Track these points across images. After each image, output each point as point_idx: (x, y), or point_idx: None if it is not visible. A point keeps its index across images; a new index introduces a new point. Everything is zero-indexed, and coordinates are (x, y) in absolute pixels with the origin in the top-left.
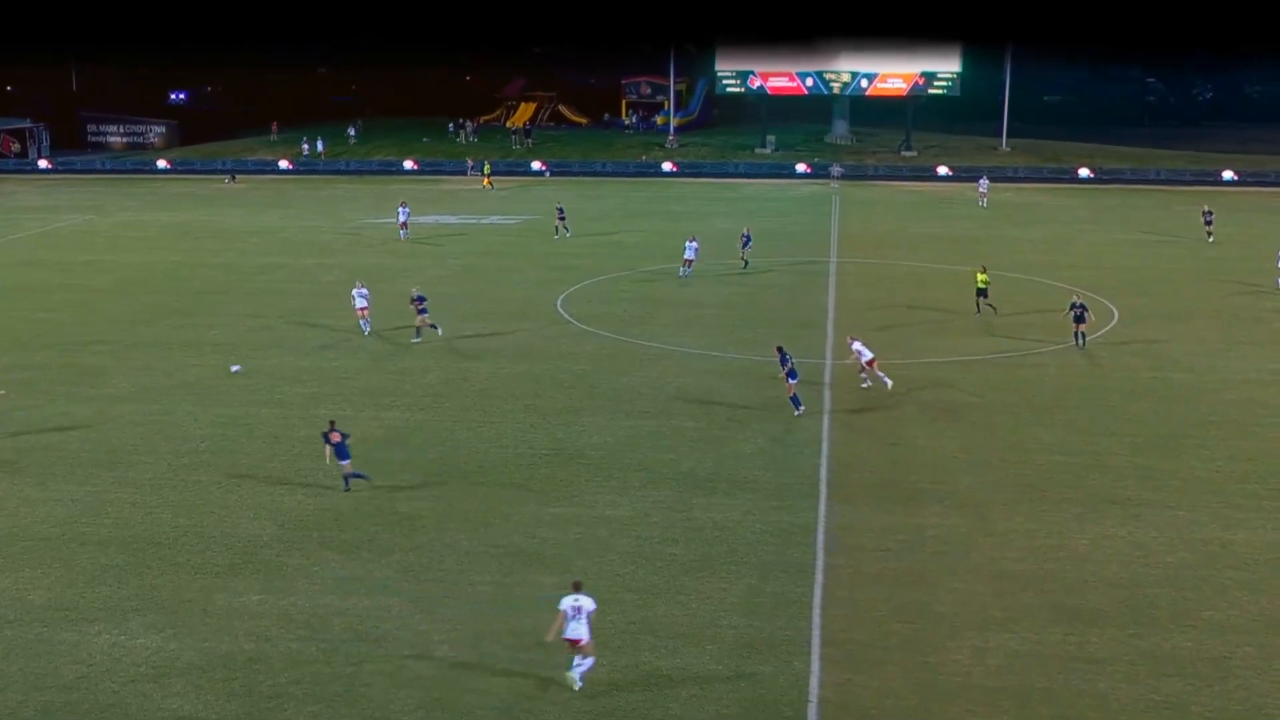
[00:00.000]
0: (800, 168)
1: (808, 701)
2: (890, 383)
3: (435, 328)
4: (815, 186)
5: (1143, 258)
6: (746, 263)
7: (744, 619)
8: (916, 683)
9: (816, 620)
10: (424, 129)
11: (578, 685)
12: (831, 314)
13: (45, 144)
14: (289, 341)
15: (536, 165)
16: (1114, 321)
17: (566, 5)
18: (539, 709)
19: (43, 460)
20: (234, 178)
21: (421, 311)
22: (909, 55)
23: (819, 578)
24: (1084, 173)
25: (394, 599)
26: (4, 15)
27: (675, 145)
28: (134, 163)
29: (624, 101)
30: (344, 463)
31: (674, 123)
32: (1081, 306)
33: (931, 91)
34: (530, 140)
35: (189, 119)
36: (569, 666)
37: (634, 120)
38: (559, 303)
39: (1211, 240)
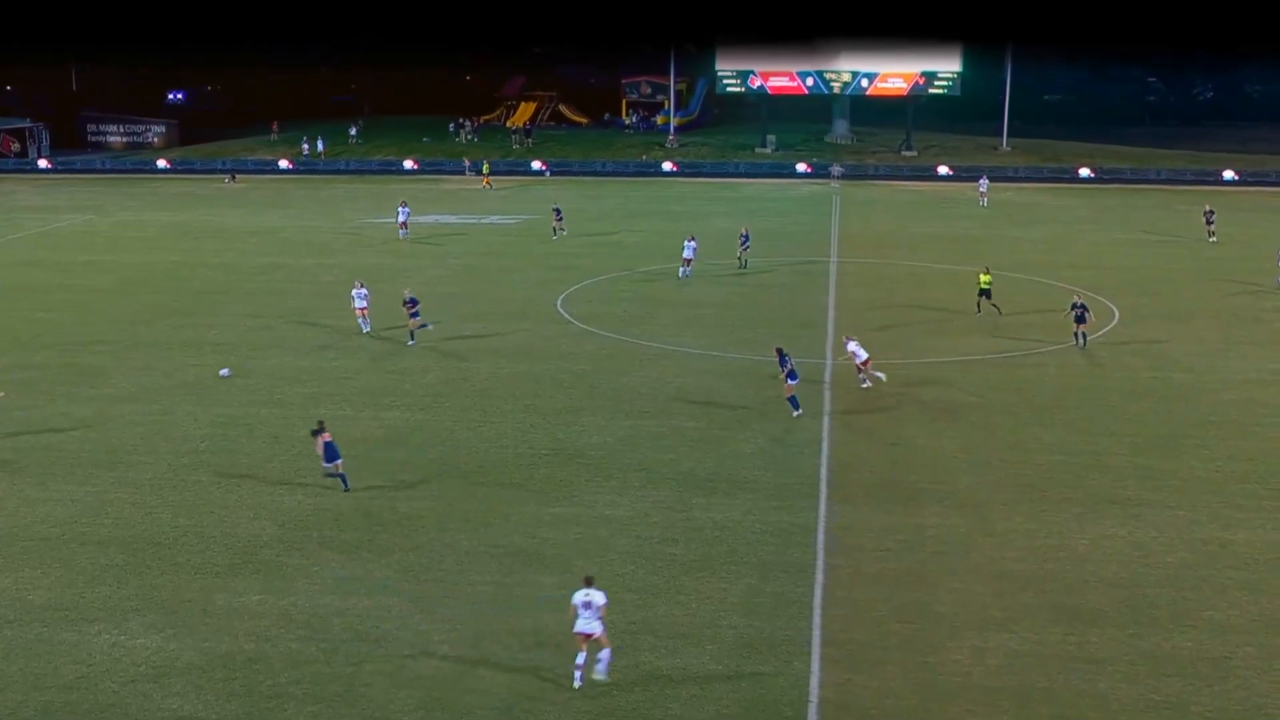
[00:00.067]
0: (800, 167)
1: (808, 701)
2: (883, 376)
3: (426, 326)
4: (815, 186)
5: (1143, 257)
6: (745, 263)
7: (744, 619)
8: (916, 683)
9: (816, 620)
10: (424, 129)
11: (604, 678)
12: (831, 314)
13: (45, 144)
14: (289, 341)
15: (536, 165)
16: (1114, 321)
17: (566, 5)
18: (539, 709)
19: (43, 460)
20: (234, 177)
21: (414, 314)
22: (909, 55)
23: (819, 578)
24: (1084, 172)
25: (394, 599)
26: (4, 15)
27: (675, 145)
28: (134, 162)
29: (624, 101)
30: (337, 462)
31: (674, 122)
32: (1082, 306)
33: (932, 91)
34: (530, 140)
35: (189, 119)
36: (578, 662)
37: (634, 120)
38: (559, 303)
39: (1214, 240)
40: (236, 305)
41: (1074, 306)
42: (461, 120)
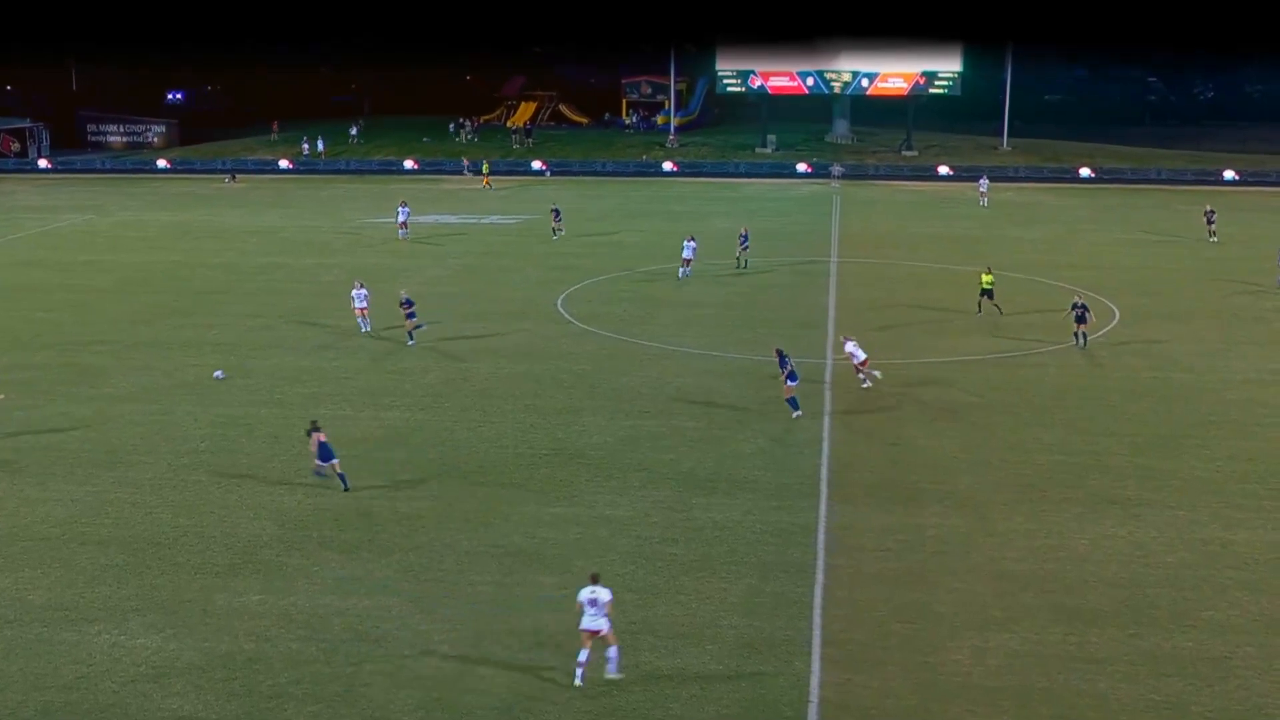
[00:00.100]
0: (801, 167)
1: (808, 701)
2: (879, 374)
3: (422, 326)
4: (816, 186)
5: (1143, 257)
6: (745, 263)
7: (744, 619)
8: (916, 683)
9: (817, 620)
10: (424, 129)
11: (616, 675)
12: (832, 314)
13: (45, 144)
14: (289, 341)
15: (537, 165)
16: (1114, 321)
17: (566, 5)
18: (539, 709)
19: (43, 460)
20: (234, 177)
21: (410, 315)
22: (909, 55)
23: (819, 578)
24: (1085, 172)
25: (394, 599)
26: (4, 15)
27: (675, 145)
28: (134, 162)
29: (624, 101)
30: (333, 461)
31: (674, 122)
32: (1083, 306)
33: (932, 91)
34: (530, 140)
35: (189, 119)
36: (580, 659)
37: (634, 120)
38: (559, 302)
39: (1214, 240)
40: (236, 305)
41: (1074, 306)
42: (462, 120)
